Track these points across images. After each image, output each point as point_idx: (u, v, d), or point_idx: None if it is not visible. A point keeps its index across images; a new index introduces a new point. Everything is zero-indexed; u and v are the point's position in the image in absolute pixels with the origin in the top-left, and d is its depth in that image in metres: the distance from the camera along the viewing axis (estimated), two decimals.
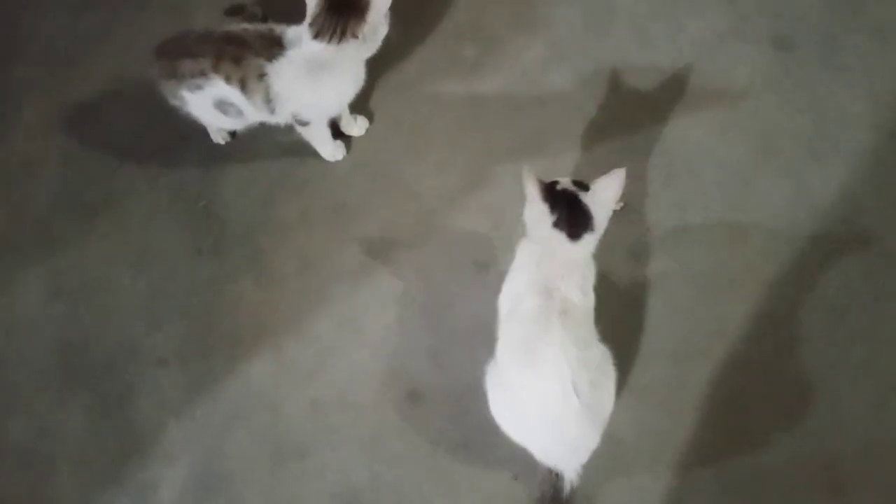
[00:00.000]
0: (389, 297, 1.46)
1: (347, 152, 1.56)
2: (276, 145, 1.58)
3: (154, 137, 1.61)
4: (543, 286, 1.13)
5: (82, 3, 1.79)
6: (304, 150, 1.57)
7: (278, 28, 1.35)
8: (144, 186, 1.58)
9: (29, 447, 1.41)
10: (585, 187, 1.18)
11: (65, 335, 1.48)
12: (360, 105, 1.57)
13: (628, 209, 1.47)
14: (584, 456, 1.15)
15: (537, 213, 1.17)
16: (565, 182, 1.19)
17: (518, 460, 1.19)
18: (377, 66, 1.62)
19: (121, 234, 1.53)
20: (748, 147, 1.52)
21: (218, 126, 1.53)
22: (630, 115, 1.56)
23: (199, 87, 1.37)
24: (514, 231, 1.45)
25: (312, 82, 1.35)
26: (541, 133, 1.56)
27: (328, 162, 1.56)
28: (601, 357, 1.16)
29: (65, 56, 1.71)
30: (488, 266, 1.46)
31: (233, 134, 1.56)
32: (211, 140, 1.59)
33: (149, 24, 1.71)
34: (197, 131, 1.59)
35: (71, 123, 1.64)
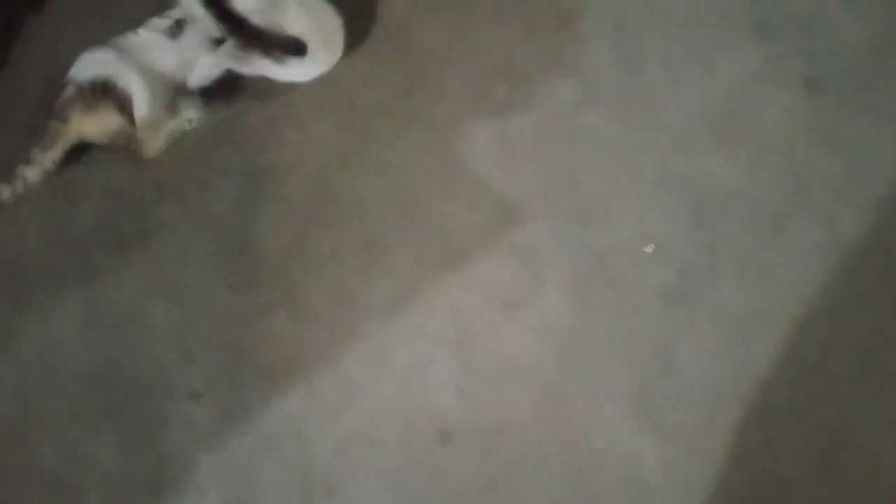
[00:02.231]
0: (418, 333, 1.47)
1: None
2: (310, 183, 1.60)
3: (191, 170, 1.64)
4: None
5: None
6: (338, 188, 1.59)
7: None
8: (181, 219, 1.60)
9: (59, 475, 1.43)
10: None
11: (98, 364, 1.51)
12: (392, 144, 1.60)
13: (658, 250, 1.47)
14: None
15: None
16: None
17: None
18: (410, 104, 1.65)
19: (156, 266, 1.56)
20: (779, 188, 1.52)
21: None
22: (662, 154, 1.56)
23: None
24: (544, 271, 1.47)
25: None
26: (572, 172, 1.57)
27: (361, 199, 1.59)
28: None
29: None
30: (518, 305, 1.47)
31: None
32: (247, 174, 1.61)
33: None
34: (234, 165, 1.62)
35: (110, 154, 1.67)
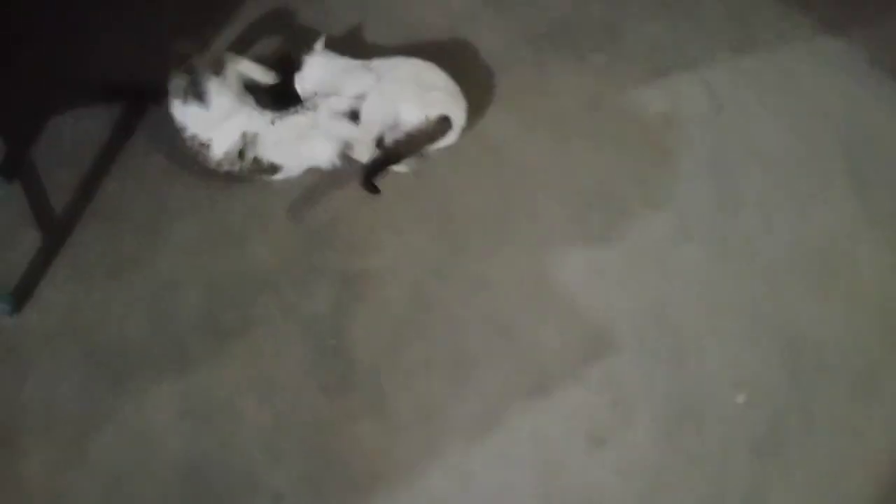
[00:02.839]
0: (503, 457, 1.48)
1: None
2: (405, 290, 1.65)
3: (291, 269, 1.70)
4: None
5: None
6: (431, 298, 1.63)
7: None
8: (279, 316, 1.65)
9: None
10: None
11: (189, 455, 1.54)
12: (486, 260, 1.65)
13: (750, 399, 1.47)
14: None
15: None
16: None
17: None
18: (505, 221, 1.69)
19: (252, 362, 1.60)
20: (875, 346, 1.52)
21: None
22: (755, 299, 1.58)
23: None
24: (633, 408, 1.48)
25: None
26: (664, 306, 1.60)
27: (454, 312, 1.62)
28: None
29: (214, 185, 1.84)
30: (604, 441, 1.48)
31: None
32: (344, 277, 1.67)
33: None
34: (332, 267, 1.68)
35: (217, 247, 1.74)
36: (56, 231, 1.77)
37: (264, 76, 1.83)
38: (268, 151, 1.73)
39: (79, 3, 1.76)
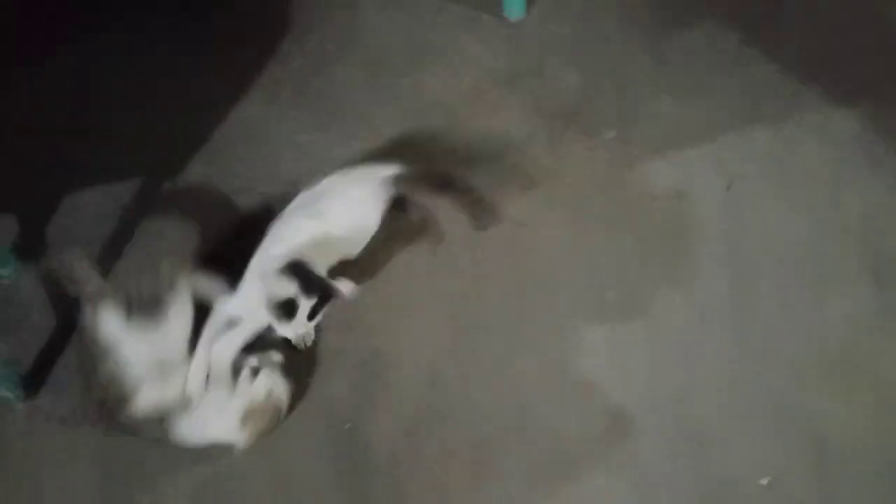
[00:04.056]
0: None
1: None
2: (422, 374, 1.64)
3: (308, 350, 1.69)
4: None
5: None
6: (449, 381, 1.63)
7: None
8: (295, 398, 1.63)
9: None
10: None
11: None
12: (504, 340, 1.65)
13: (774, 487, 1.45)
14: None
15: None
16: None
17: None
18: (522, 301, 1.68)
19: (266, 444, 1.58)
20: None
21: None
22: (776, 389, 1.57)
23: None
24: (657, 495, 1.45)
25: None
26: (683, 390, 1.59)
27: (472, 396, 1.61)
28: None
29: None
30: None
31: None
32: (361, 359, 1.65)
33: None
34: (350, 349, 1.67)
35: None
36: (69, 313, 1.76)
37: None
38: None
39: None
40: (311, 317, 1.57)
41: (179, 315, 1.53)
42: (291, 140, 1.99)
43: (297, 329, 1.58)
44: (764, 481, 1.47)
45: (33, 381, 1.70)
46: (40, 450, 1.63)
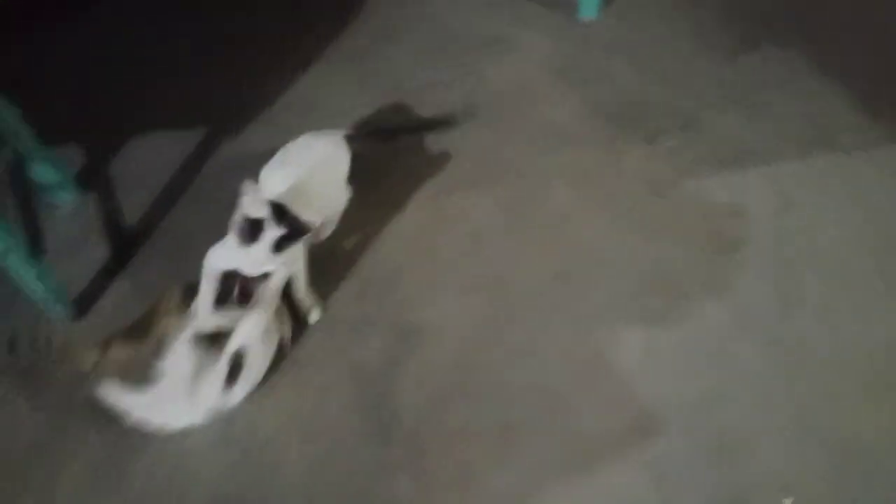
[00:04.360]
0: None
1: None
2: (454, 352, 1.66)
3: (344, 316, 1.72)
4: None
5: None
6: (480, 362, 1.64)
7: None
8: (326, 358, 1.66)
9: None
10: None
11: (223, 487, 1.54)
12: (539, 329, 1.64)
13: None
14: None
15: None
16: None
17: None
18: (561, 293, 1.70)
19: (297, 400, 1.61)
20: None
21: None
22: (807, 402, 1.56)
23: None
24: (678, 496, 1.45)
25: None
26: (714, 396, 1.58)
27: (501, 379, 1.62)
28: None
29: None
30: None
31: None
32: (395, 331, 1.67)
33: None
34: (384, 319, 1.69)
35: None
36: (123, 247, 1.81)
37: None
38: None
39: None
40: (277, 248, 1.53)
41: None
42: (346, 112, 2.03)
43: (257, 255, 1.53)
44: (787, 501, 1.45)
45: (80, 306, 1.75)
46: (80, 373, 1.68)
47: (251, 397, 1.61)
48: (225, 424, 1.59)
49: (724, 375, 1.61)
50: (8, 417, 1.62)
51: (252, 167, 1.77)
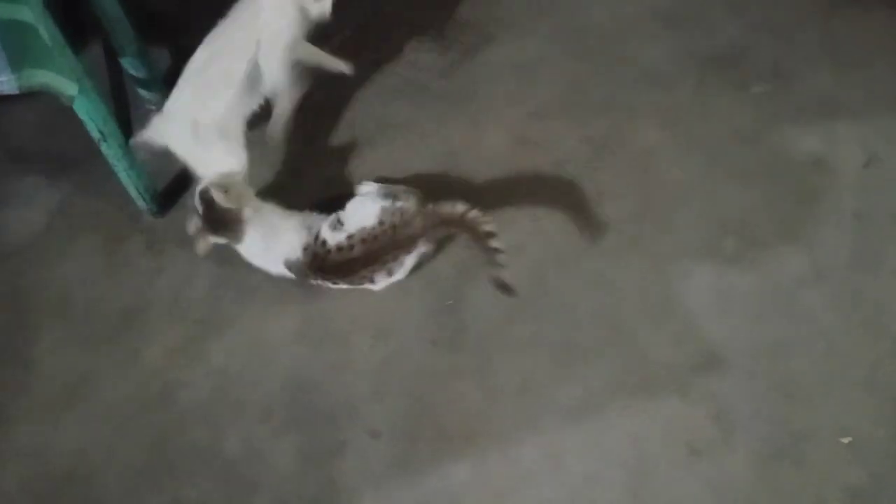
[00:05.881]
0: (597, 448, 1.50)
1: None
2: (528, 271, 1.70)
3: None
4: None
5: None
6: (552, 284, 1.67)
7: None
8: None
9: (236, 464, 1.53)
10: None
11: (298, 373, 1.62)
12: (613, 260, 1.69)
13: (854, 445, 1.46)
14: None
15: None
16: None
17: None
18: (639, 228, 1.71)
19: (372, 305, 1.67)
20: None
21: None
22: (875, 355, 1.56)
23: None
24: (736, 430, 1.48)
25: None
26: (783, 343, 1.60)
27: (571, 303, 1.66)
28: None
29: None
30: (701, 454, 1.48)
31: None
32: (474, 246, 1.71)
33: None
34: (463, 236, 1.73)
35: None
36: None
37: None
38: None
39: None
40: None
41: None
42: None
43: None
44: (845, 440, 1.47)
45: (165, 201, 1.83)
46: (164, 262, 1.77)
47: (326, 293, 1.66)
48: (301, 320, 1.66)
49: (795, 324, 1.62)
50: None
51: None
